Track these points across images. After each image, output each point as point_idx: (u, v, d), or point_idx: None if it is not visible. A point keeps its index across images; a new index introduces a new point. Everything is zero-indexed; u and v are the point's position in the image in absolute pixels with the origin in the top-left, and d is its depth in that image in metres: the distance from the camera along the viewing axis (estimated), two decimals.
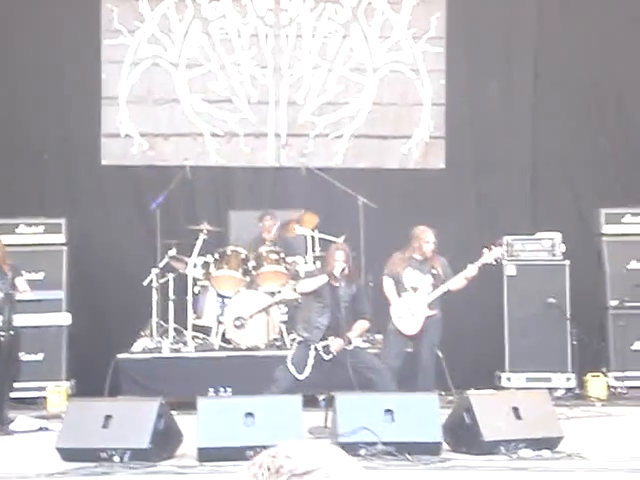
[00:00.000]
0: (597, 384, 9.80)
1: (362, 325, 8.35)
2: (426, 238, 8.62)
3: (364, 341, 9.55)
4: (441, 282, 8.59)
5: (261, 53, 10.96)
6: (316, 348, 8.05)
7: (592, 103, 11.13)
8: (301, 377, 7.94)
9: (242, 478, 1.29)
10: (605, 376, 9.94)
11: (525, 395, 8.03)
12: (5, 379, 8.31)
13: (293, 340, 8.81)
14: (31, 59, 10.64)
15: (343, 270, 8.11)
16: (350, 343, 8.18)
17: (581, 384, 9.90)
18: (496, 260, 8.78)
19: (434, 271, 8.62)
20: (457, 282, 8.60)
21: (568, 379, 9.95)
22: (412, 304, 8.55)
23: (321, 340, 8.08)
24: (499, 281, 10.22)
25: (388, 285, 8.66)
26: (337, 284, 8.14)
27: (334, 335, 8.09)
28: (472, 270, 8.57)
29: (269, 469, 1.27)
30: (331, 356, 8.06)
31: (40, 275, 9.68)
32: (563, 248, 10.18)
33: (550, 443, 6.96)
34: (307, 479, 1.25)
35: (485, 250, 8.72)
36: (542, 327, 9.97)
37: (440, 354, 8.84)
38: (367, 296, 8.77)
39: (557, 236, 10.23)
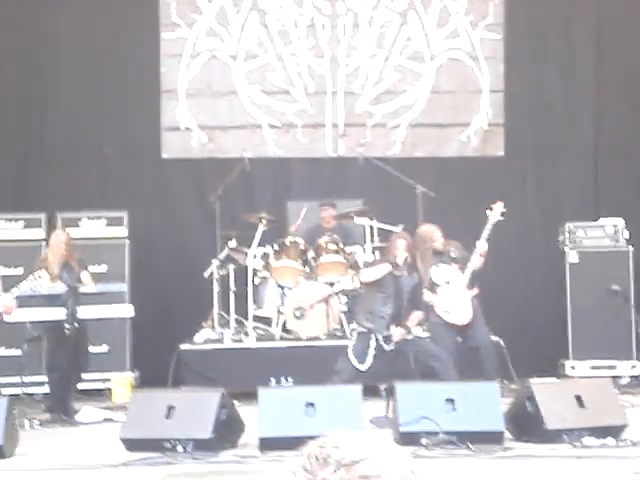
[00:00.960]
0: None
1: (419, 315, 8.31)
2: (435, 238, 8.49)
3: (424, 330, 9.51)
4: (464, 262, 8.43)
5: (318, 43, 10.96)
6: (377, 339, 8.02)
7: None
8: (363, 368, 7.92)
9: (292, 468, 1.29)
10: None
11: (588, 383, 7.94)
12: (71, 371, 8.44)
13: (353, 330, 8.80)
14: (91, 54, 10.77)
15: (406, 259, 8.07)
16: (410, 332, 8.15)
17: None
18: (502, 215, 8.48)
19: (452, 255, 8.49)
20: (475, 262, 8.42)
21: (633, 367, 9.82)
22: (452, 294, 8.42)
23: (386, 329, 8.06)
24: (562, 268, 10.12)
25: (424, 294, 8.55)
26: (399, 273, 8.10)
27: (395, 324, 8.07)
28: (482, 245, 8.37)
29: (317, 459, 1.28)
30: (392, 346, 8.03)
31: (103, 268, 9.80)
32: (627, 234, 10.04)
33: (614, 431, 6.87)
34: (355, 469, 1.25)
35: (487, 212, 8.46)
36: (606, 314, 9.84)
37: (502, 343, 8.77)
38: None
39: (620, 222, 10.09)
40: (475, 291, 8.42)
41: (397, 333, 8.03)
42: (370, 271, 8.35)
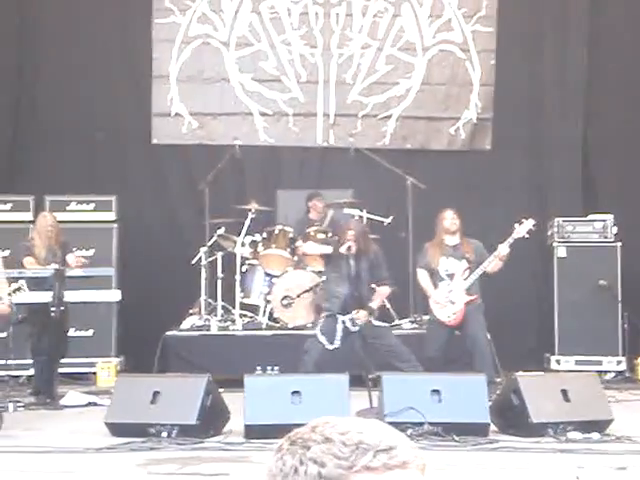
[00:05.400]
0: None
1: (382, 291, 8.33)
2: (447, 217, 8.48)
3: (411, 322, 9.51)
4: (475, 266, 8.42)
5: (311, 32, 10.93)
6: (343, 321, 8.04)
7: None
8: (331, 347, 7.94)
9: (313, 457, 1.19)
10: None
11: (574, 377, 7.94)
12: (56, 354, 8.40)
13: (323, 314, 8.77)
14: (83, 38, 10.71)
15: (349, 249, 8.07)
16: (372, 313, 8.14)
17: (631, 367, 9.80)
18: (529, 233, 8.44)
19: (467, 256, 8.45)
20: (492, 264, 8.36)
21: (618, 362, 9.84)
22: (450, 292, 8.40)
23: (343, 310, 8.06)
24: (550, 263, 10.13)
25: (423, 277, 8.51)
26: (348, 257, 8.14)
27: (357, 307, 8.06)
28: (504, 249, 8.30)
29: (346, 444, 1.17)
30: (358, 328, 8.03)
31: (90, 252, 9.75)
32: (615, 230, 10.05)
33: (599, 426, 6.87)
34: (395, 454, 1.18)
35: (516, 225, 8.41)
36: (593, 310, 9.86)
37: (488, 336, 8.77)
38: (385, 263, 8.58)
39: (609, 218, 10.10)
40: (472, 297, 8.35)
41: (361, 316, 8.04)
42: (312, 246, 8.82)
